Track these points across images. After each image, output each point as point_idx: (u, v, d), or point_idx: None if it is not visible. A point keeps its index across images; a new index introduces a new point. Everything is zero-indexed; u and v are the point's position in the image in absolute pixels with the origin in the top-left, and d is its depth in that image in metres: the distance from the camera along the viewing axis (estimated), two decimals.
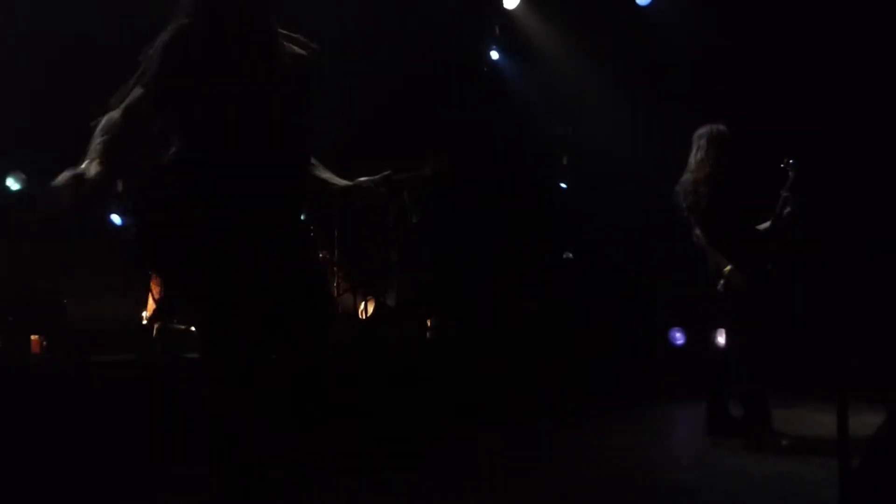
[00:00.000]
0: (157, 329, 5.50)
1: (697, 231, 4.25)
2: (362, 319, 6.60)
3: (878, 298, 5.37)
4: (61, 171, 2.03)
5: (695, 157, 4.36)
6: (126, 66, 2.25)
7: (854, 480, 2.11)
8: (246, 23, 2.16)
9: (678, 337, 7.55)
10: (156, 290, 5.63)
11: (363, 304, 6.78)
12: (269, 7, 2.22)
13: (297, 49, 2.33)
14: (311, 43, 2.36)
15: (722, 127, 4.35)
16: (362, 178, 2.49)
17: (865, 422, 2.42)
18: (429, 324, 6.92)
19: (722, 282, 4.15)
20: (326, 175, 2.46)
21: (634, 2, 7.22)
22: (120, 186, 6.07)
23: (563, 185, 8.29)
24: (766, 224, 4.33)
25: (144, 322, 5.76)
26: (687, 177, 4.35)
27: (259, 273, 2.14)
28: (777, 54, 6.25)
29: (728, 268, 4.11)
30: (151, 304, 5.72)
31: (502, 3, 7.49)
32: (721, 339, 4.61)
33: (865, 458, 2.16)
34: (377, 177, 2.48)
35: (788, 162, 4.28)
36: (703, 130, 4.39)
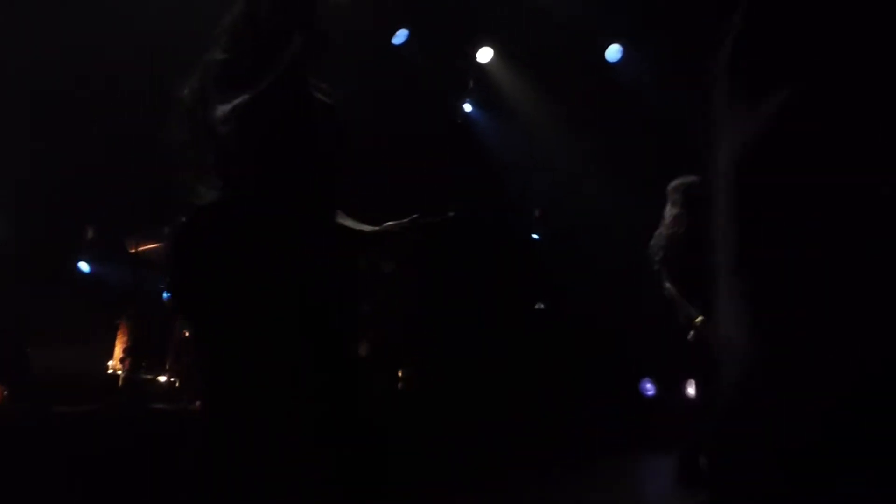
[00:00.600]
0: (124, 379, 5.40)
1: (668, 283, 4.28)
2: None
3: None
4: (36, 220, 2.00)
5: (669, 210, 4.38)
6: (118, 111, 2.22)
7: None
8: (284, 67, 2.05)
9: (649, 388, 7.56)
10: (123, 338, 5.55)
11: None
12: (304, 52, 2.10)
13: (324, 98, 2.28)
14: (336, 92, 2.31)
15: (696, 180, 4.39)
16: (389, 223, 2.41)
17: None
18: (400, 375, 6.87)
19: (692, 332, 4.19)
20: (350, 222, 2.40)
21: (604, 58, 7.41)
22: (90, 234, 6.03)
23: (535, 237, 8.36)
24: None
25: (110, 371, 5.65)
26: (661, 231, 4.37)
27: (297, 317, 2.08)
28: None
29: (699, 318, 4.14)
30: (118, 353, 5.62)
31: (476, 57, 7.63)
32: (691, 390, 4.62)
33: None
34: (405, 220, 2.40)
35: None
36: (676, 183, 4.43)
